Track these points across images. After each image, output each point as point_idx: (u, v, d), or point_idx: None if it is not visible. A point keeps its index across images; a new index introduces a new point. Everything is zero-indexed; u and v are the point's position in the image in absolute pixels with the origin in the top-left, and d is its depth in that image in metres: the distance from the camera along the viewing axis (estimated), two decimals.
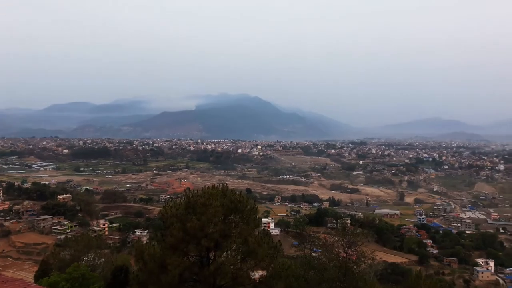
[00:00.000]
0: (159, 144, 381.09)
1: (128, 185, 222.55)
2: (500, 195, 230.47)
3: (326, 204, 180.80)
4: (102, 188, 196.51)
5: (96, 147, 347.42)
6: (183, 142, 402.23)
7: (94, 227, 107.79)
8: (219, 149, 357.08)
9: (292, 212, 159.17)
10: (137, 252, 19.20)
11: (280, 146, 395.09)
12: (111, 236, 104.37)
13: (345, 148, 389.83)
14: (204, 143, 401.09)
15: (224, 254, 18.41)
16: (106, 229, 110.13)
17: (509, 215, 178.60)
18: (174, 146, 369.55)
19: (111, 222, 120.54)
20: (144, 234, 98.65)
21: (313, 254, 29.79)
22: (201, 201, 18.30)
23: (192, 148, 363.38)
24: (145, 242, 25.33)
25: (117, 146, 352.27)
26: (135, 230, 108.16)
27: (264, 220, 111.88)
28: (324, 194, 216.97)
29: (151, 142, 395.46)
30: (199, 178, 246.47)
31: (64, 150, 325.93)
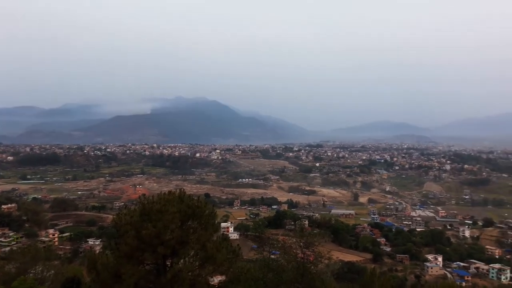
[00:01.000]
0: (112, 150, 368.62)
1: (79, 192, 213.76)
2: (447, 193, 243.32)
3: (284, 207, 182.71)
4: (51, 196, 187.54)
5: (44, 153, 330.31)
6: (137, 147, 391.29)
7: (43, 238, 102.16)
8: (176, 154, 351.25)
9: (251, 216, 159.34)
10: (89, 262, 18.44)
11: (239, 150, 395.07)
12: (61, 246, 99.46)
13: (303, 151, 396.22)
14: (160, 148, 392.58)
15: (182, 261, 18.04)
16: (56, 239, 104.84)
17: (455, 212, 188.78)
18: (128, 151, 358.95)
19: (61, 231, 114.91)
20: (97, 243, 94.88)
21: (272, 256, 29.92)
22: (157, 207, 17.82)
23: (147, 153, 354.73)
24: (98, 251, 24.39)
25: (67, 152, 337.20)
26: (88, 240, 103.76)
27: (223, 224, 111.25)
28: (282, 197, 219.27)
29: (103, 148, 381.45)
30: (155, 184, 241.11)
31: (9, 157, 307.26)
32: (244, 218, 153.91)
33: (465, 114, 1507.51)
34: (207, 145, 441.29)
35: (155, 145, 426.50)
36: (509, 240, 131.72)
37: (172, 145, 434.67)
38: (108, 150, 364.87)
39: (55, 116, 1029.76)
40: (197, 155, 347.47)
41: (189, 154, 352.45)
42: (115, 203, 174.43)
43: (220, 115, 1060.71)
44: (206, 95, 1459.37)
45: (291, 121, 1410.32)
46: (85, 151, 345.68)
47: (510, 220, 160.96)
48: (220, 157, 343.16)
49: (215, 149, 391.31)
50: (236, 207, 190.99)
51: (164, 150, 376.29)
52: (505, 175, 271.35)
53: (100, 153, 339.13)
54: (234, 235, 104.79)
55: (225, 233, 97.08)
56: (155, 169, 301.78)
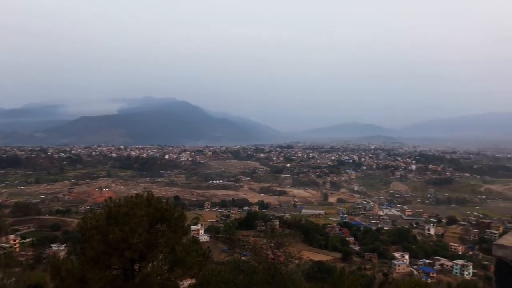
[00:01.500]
0: (78, 151, 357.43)
1: (42, 196, 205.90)
2: (413, 192, 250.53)
3: (255, 208, 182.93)
4: (12, 200, 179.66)
5: (4, 155, 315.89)
6: (104, 149, 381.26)
7: (3, 244, 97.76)
8: (144, 156, 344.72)
9: (222, 218, 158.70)
10: (53, 268, 17.87)
11: (210, 151, 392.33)
12: (23, 252, 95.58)
13: (273, 152, 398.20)
14: (128, 150, 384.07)
15: (150, 264, 17.69)
16: (18, 245, 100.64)
17: (421, 211, 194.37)
18: (94, 153, 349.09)
19: (23, 237, 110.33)
20: (61, 248, 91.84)
21: (243, 258, 29.82)
22: (124, 211, 17.38)
23: (114, 155, 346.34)
24: (62, 257, 23.53)
25: (29, 154, 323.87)
26: (51, 245, 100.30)
27: (193, 227, 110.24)
28: (254, 198, 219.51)
29: (68, 149, 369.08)
30: (122, 187, 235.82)
31: None
32: (215, 220, 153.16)
33: (429, 116, 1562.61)
34: (177, 147, 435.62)
35: (122, 146, 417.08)
36: (471, 237, 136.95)
37: (140, 146, 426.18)
38: (73, 152, 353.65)
39: (16, 116, 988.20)
40: (166, 156, 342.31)
41: (157, 155, 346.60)
42: (81, 207, 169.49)
43: (190, 116, 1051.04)
44: (176, 96, 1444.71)
45: (262, 122, 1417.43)
46: (49, 153, 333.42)
47: (472, 218, 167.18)
48: (190, 159, 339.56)
49: (185, 150, 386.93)
50: (206, 209, 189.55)
51: (132, 151, 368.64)
52: (467, 174, 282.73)
53: (64, 155, 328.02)
54: (204, 238, 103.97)
55: (195, 235, 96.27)
56: (122, 172, 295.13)
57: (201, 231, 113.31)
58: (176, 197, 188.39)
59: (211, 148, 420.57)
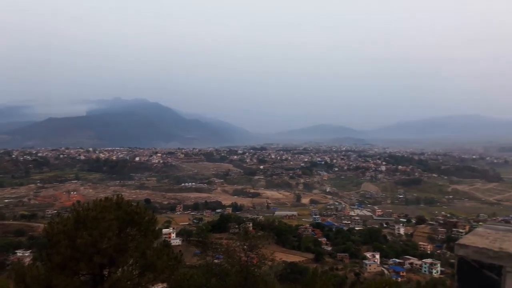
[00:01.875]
0: (44, 154, 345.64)
1: (6, 200, 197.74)
2: (383, 193, 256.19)
3: (229, 210, 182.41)
4: None
5: None
6: (72, 151, 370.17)
7: None
8: (114, 158, 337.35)
9: (194, 221, 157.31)
10: (17, 275, 17.14)
11: (182, 153, 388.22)
12: None
13: (247, 153, 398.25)
14: (97, 152, 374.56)
15: (120, 269, 17.26)
16: None
17: (391, 211, 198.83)
18: (61, 156, 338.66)
19: None
20: (26, 254, 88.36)
21: (216, 261, 29.59)
22: (93, 214, 16.89)
23: (82, 157, 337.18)
24: (27, 263, 22.66)
25: None
26: (16, 251, 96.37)
27: (164, 230, 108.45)
28: (227, 200, 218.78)
29: (34, 152, 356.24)
30: (91, 190, 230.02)
31: None
32: (187, 223, 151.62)
33: (398, 118, 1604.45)
34: (148, 149, 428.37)
35: (91, 149, 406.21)
36: (439, 236, 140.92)
37: (109, 148, 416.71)
38: (40, 154, 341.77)
39: None
40: (137, 159, 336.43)
41: (128, 158, 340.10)
42: (47, 211, 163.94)
43: (161, 117, 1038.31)
44: (147, 97, 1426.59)
45: (235, 123, 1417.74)
46: (13, 155, 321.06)
47: (440, 217, 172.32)
48: (161, 161, 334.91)
49: (156, 152, 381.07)
50: (178, 212, 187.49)
51: (101, 154, 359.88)
52: (435, 175, 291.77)
53: (30, 158, 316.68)
54: (176, 241, 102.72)
55: (166, 239, 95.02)
56: (91, 174, 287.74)
57: (173, 235, 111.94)
58: (147, 200, 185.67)
59: (183, 150, 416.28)
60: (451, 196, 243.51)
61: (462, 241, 2.37)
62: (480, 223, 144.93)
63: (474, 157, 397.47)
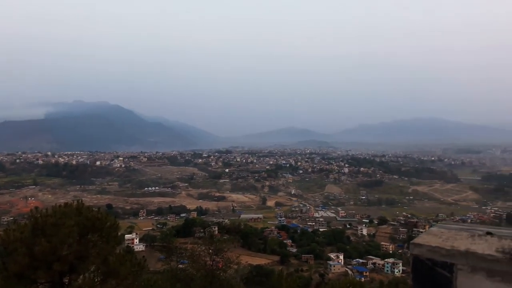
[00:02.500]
0: (0, 158, 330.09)
1: None
2: (346, 194, 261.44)
3: (194, 214, 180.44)
4: None
5: None
6: (29, 156, 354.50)
7: None
8: (74, 162, 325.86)
9: (158, 225, 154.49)
10: None
11: (145, 157, 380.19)
12: None
13: (212, 157, 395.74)
14: (56, 156, 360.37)
15: (81, 277, 16.80)
16: None
17: (354, 212, 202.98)
18: (18, 161, 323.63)
19: None
20: None
21: (180, 266, 29.29)
22: (52, 221, 16.36)
23: (41, 162, 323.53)
24: None
25: None
26: None
27: (127, 236, 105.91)
28: (192, 204, 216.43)
29: None
30: (50, 196, 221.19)
31: None
32: (151, 228, 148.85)
33: (359, 121, 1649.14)
34: (109, 153, 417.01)
35: (49, 153, 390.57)
36: (401, 236, 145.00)
37: (69, 153, 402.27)
38: None
39: None
40: (98, 163, 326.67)
41: (88, 162, 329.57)
42: (3, 218, 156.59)
43: (123, 121, 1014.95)
44: (108, 99, 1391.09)
45: (200, 127, 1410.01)
46: None
47: (401, 218, 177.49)
48: (123, 165, 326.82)
49: (118, 156, 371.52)
50: (141, 217, 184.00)
51: (60, 158, 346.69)
52: (396, 177, 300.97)
53: None
54: (139, 247, 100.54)
55: (129, 245, 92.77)
56: (50, 180, 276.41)
57: (136, 240, 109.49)
58: (109, 206, 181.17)
59: (146, 154, 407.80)
60: (411, 197, 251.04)
61: (417, 240, 2.44)
62: (439, 222, 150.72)
63: (433, 159, 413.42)
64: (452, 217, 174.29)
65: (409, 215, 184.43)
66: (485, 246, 2.21)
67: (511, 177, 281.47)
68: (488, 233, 2.44)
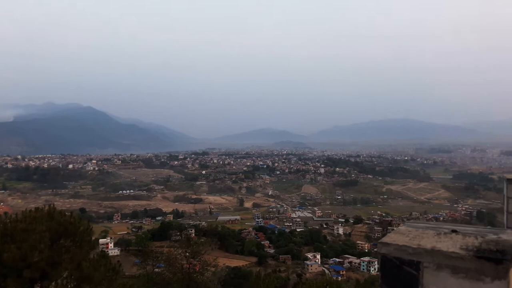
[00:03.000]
0: None
1: None
2: (322, 194, 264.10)
3: (170, 217, 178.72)
4: None
5: None
6: None
7: None
8: (45, 166, 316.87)
9: (133, 229, 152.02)
10: None
11: (119, 160, 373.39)
12: None
13: (188, 159, 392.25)
14: (26, 160, 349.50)
15: (54, 283, 16.28)
16: None
17: (330, 212, 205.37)
18: None
19: None
20: None
21: (156, 269, 28.87)
22: (22, 226, 15.81)
23: (10, 165, 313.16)
24: None
25: None
26: None
27: (101, 240, 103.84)
28: (168, 207, 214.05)
29: None
30: (20, 201, 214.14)
31: None
32: (126, 232, 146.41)
33: (334, 122, 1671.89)
34: (82, 156, 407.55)
35: (19, 156, 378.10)
36: (376, 235, 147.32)
37: (40, 156, 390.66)
38: None
39: None
40: (70, 166, 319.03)
41: (60, 165, 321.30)
42: None
43: (96, 123, 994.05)
44: (80, 101, 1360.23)
45: (176, 128, 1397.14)
46: None
47: (376, 217, 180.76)
48: (97, 168, 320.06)
49: (91, 159, 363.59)
50: (116, 221, 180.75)
51: (31, 161, 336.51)
52: (370, 176, 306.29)
53: None
54: (114, 251, 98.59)
55: (104, 250, 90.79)
56: (19, 184, 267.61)
57: (111, 245, 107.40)
58: (82, 210, 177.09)
59: (120, 157, 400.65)
60: (385, 196, 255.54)
61: (385, 239, 2.47)
62: (406, 221, 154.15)
63: (406, 158, 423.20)
64: (425, 215, 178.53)
65: (383, 214, 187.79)
66: (450, 244, 2.26)
67: (481, 176, 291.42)
68: (454, 231, 2.50)
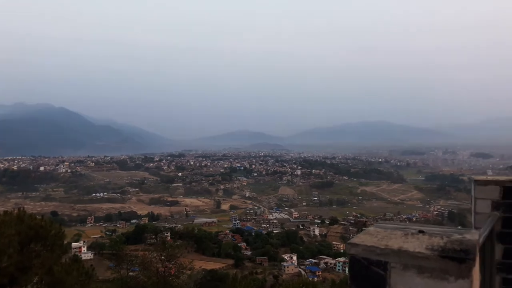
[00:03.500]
0: None
1: None
2: (299, 196, 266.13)
3: (145, 220, 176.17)
4: None
5: None
6: None
7: None
8: (15, 168, 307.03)
9: (107, 233, 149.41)
10: None
11: (92, 162, 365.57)
12: None
13: (164, 161, 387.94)
14: None
15: None
16: None
17: (306, 213, 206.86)
18: None
19: None
20: None
21: (131, 273, 28.36)
22: None
23: None
24: None
25: None
26: None
27: (74, 244, 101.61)
28: (143, 210, 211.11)
29: None
30: None
31: None
32: (99, 235, 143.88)
33: (310, 125, 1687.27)
34: (54, 157, 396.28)
35: None
36: (351, 235, 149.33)
37: (9, 158, 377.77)
38: None
39: None
40: (41, 168, 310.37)
41: (31, 168, 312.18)
42: None
43: (69, 124, 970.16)
44: (52, 102, 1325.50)
45: (151, 130, 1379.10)
46: None
47: (351, 217, 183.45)
48: (69, 170, 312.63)
49: (63, 161, 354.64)
50: (89, 225, 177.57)
51: (0, 164, 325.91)
52: (346, 178, 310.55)
53: None
54: (87, 255, 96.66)
55: (76, 253, 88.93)
56: None
57: (84, 248, 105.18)
58: (54, 213, 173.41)
59: (93, 158, 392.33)
60: (360, 197, 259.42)
61: (353, 240, 2.51)
62: (387, 221, 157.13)
63: (380, 160, 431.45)
64: (399, 216, 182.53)
65: (358, 215, 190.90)
66: (416, 244, 2.30)
67: (452, 177, 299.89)
68: (421, 232, 2.54)
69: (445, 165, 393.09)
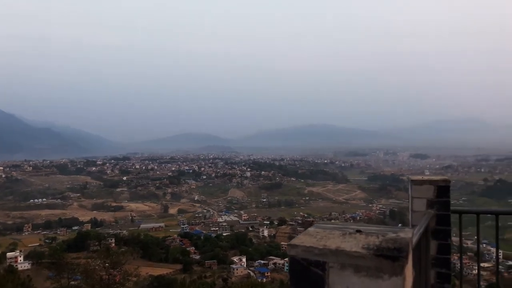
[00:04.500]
0: None
1: None
2: (248, 198, 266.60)
3: (87, 226, 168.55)
4: None
5: None
6: None
7: None
8: None
9: (46, 241, 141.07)
10: None
11: (30, 166, 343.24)
12: None
13: (108, 164, 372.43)
14: None
15: None
16: None
17: (256, 214, 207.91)
18: None
19: None
20: None
21: (72, 282, 26.91)
22: None
23: None
24: None
25: None
26: None
27: (9, 254, 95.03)
28: (85, 216, 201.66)
29: None
30: None
31: None
32: (38, 244, 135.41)
33: (258, 127, 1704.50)
34: None
35: None
36: (298, 235, 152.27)
37: None
38: None
39: None
40: None
41: None
42: None
43: (3, 126, 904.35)
44: None
45: (94, 132, 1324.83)
46: None
47: (299, 218, 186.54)
48: (3, 175, 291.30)
49: None
50: (27, 233, 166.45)
51: None
52: (293, 179, 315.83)
53: None
54: (24, 265, 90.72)
55: (12, 264, 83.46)
56: None
57: (20, 258, 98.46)
58: None
59: (31, 162, 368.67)
60: (307, 198, 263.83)
61: (293, 241, 2.53)
62: (332, 220, 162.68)
63: (325, 161, 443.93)
64: (344, 215, 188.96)
65: (305, 215, 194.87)
66: (353, 244, 2.33)
67: (393, 177, 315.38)
68: (358, 231, 2.57)
69: (386, 166, 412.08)
